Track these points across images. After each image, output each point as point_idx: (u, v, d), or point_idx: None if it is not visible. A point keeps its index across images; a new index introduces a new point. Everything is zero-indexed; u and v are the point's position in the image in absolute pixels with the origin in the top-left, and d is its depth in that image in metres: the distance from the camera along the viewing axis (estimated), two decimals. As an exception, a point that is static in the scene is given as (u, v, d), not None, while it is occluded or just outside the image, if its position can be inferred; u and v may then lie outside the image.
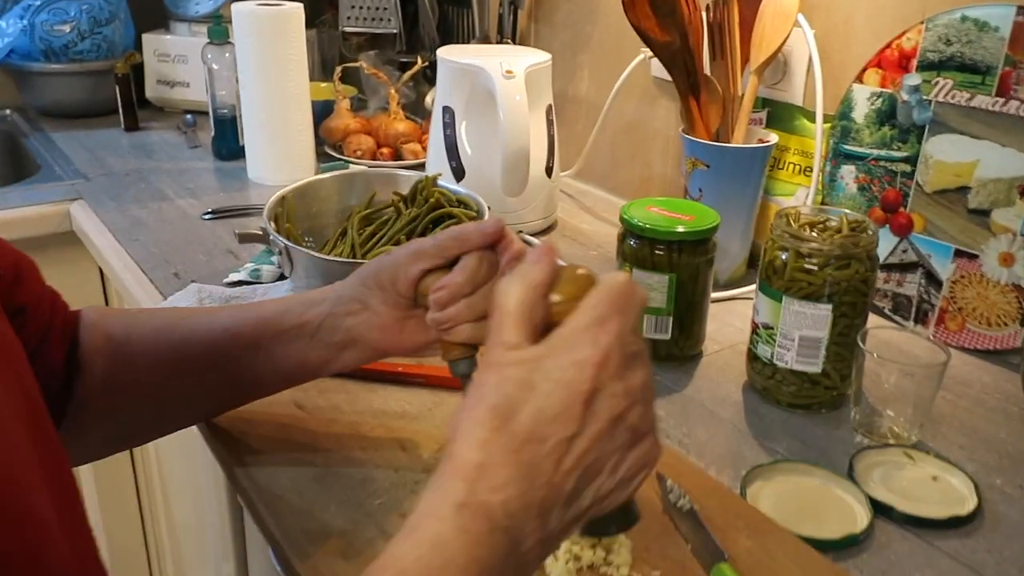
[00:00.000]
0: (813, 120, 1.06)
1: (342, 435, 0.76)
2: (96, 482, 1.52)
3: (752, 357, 0.86)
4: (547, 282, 0.48)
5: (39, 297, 0.64)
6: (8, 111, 1.83)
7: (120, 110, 1.70)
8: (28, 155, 1.64)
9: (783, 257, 0.81)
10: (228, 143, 1.53)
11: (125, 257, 1.17)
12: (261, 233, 0.94)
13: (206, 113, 1.55)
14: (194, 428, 0.77)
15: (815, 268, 0.79)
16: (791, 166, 1.12)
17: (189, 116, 1.71)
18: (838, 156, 1.03)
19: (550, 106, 1.24)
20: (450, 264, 0.62)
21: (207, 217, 1.29)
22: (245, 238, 0.93)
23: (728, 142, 1.08)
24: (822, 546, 0.65)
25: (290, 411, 0.79)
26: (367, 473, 0.71)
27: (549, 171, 1.24)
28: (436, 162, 1.23)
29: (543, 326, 0.47)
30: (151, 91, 1.81)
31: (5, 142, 1.76)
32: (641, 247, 0.89)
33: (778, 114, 1.13)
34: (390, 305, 0.65)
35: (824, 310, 0.79)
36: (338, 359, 0.67)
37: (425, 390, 0.83)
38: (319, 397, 0.81)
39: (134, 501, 1.57)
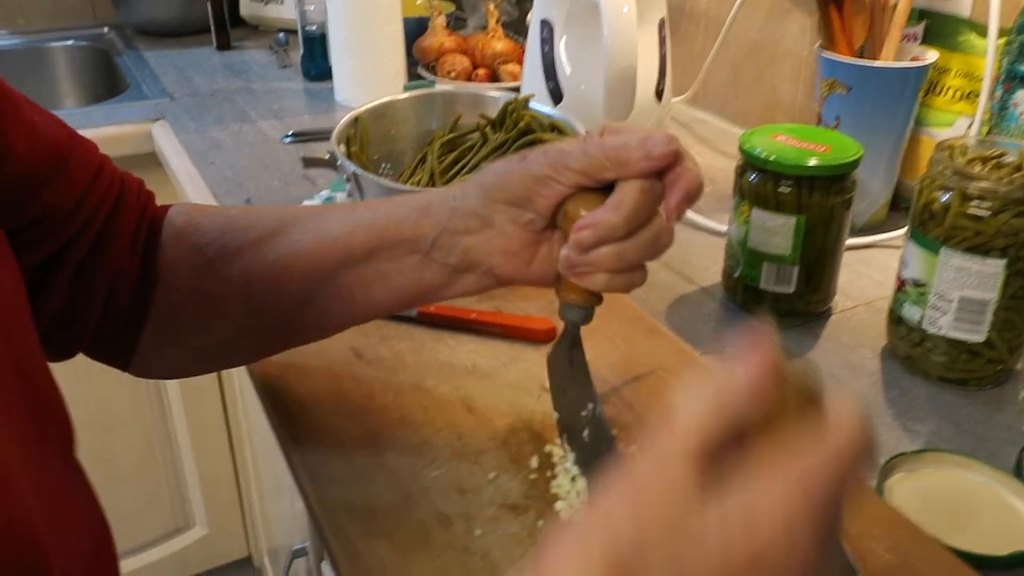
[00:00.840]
0: (983, 35, 0.88)
1: (401, 390, 0.66)
2: (184, 403, 1.49)
3: (895, 320, 0.72)
4: (754, 399, 0.32)
5: (82, 193, 0.54)
6: (106, 28, 1.79)
7: (212, 28, 1.63)
8: (120, 74, 1.59)
9: (943, 199, 0.65)
10: (316, 62, 1.44)
11: (199, 181, 1.10)
12: (328, 158, 0.84)
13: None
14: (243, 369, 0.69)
15: (985, 214, 0.63)
16: (950, 91, 0.94)
17: (281, 35, 1.62)
18: (1013, 79, 0.85)
19: (663, 20, 1.08)
20: (601, 187, 0.49)
21: (287, 140, 1.20)
22: (311, 162, 0.83)
23: (875, 60, 0.91)
24: (981, 563, 0.52)
25: (347, 359, 0.70)
26: (425, 437, 0.61)
27: (659, 94, 1.09)
28: (532, 83, 1.10)
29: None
30: (245, 8, 1.74)
31: (100, 60, 1.73)
32: (763, 183, 0.74)
33: (938, 28, 0.94)
34: (520, 226, 0.52)
35: (994, 266, 0.64)
36: (455, 284, 0.55)
37: (501, 342, 0.72)
38: (380, 345, 0.72)
39: (222, 424, 1.55)
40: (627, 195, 0.48)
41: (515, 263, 0.53)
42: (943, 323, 0.67)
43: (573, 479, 0.56)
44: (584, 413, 0.56)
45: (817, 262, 0.76)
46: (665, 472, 0.31)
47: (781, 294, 0.77)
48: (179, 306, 0.58)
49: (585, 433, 0.56)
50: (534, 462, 0.59)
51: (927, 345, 0.69)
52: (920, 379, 0.71)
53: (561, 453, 0.59)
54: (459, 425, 0.62)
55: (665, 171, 0.48)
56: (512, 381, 0.67)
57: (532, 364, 0.69)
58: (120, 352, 0.59)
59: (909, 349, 0.71)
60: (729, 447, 0.32)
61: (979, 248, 0.64)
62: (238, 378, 1.33)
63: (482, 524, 0.54)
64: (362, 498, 0.56)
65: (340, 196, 0.97)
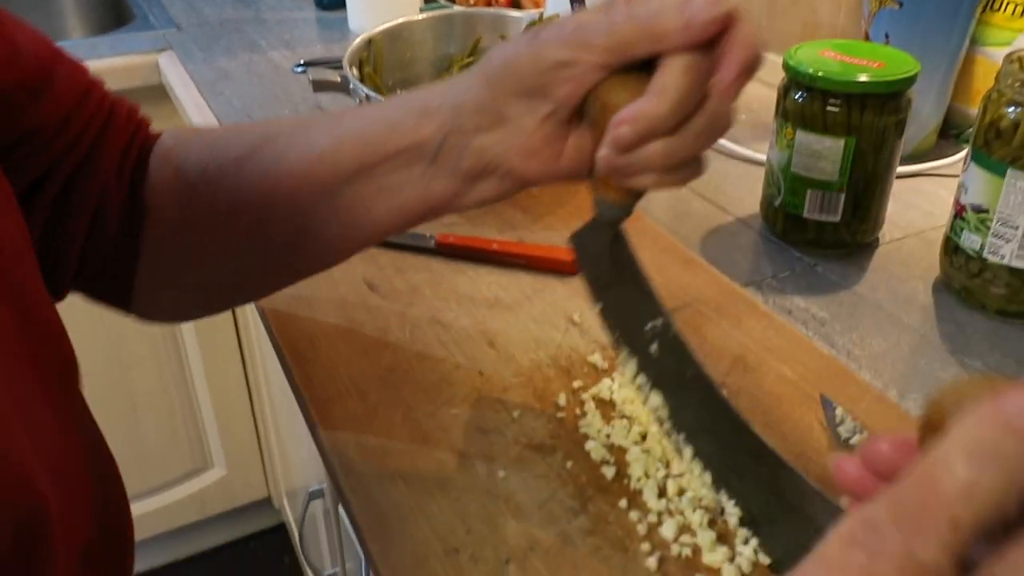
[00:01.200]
0: (1049, -58, 0.80)
1: (419, 324, 0.62)
2: (199, 342, 1.47)
3: (952, 249, 0.66)
4: None
5: (67, 114, 0.49)
6: (112, -42, 1.73)
7: (220, -44, 1.56)
8: (126, 4, 1.53)
9: (1012, 115, 0.59)
10: (329, -11, 1.37)
11: (207, 112, 1.05)
12: (340, 81, 0.78)
13: (309, -44, 1.39)
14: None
15: (1059, 130, 0.57)
16: (1012, 6, 0.87)
17: (293, -38, 1.55)
18: (1082, -11, 0.78)
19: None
20: (638, 65, 0.42)
21: (299, 70, 1.14)
22: (321, 86, 0.78)
23: (929, -28, 0.84)
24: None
25: (359, 292, 0.65)
26: (444, 373, 0.57)
27: (692, 15, 1.02)
28: (556, 5, 1.04)
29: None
30: (255, -64, 1.66)
31: (106, -10, 1.67)
32: (810, 102, 0.68)
33: (999, -64, 0.87)
34: (540, 119, 0.44)
35: (1067, 188, 0.58)
36: (470, 192, 0.48)
37: (524, 273, 0.67)
38: (395, 276, 0.67)
39: (238, 363, 1.52)
40: (670, 78, 0.40)
41: (539, 162, 0.46)
42: (1006, 251, 0.62)
43: (638, 387, 0.51)
44: (649, 328, 0.50)
45: (866, 189, 0.70)
46: (915, 550, 0.23)
47: (826, 223, 0.71)
48: (168, 239, 0.53)
49: (653, 348, 0.50)
50: (561, 399, 0.54)
51: (987, 276, 0.64)
52: (977, 313, 0.66)
53: (592, 391, 0.55)
54: (480, 361, 0.58)
55: (714, 40, 0.40)
56: (537, 315, 0.63)
57: (558, 296, 0.64)
58: (117, 292, 0.54)
59: (966, 280, 0.65)
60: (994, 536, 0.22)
61: (1050, 168, 0.58)
62: (251, 315, 1.30)
63: (505, 465, 0.50)
64: (376, 438, 0.52)
65: (353, 124, 0.91)
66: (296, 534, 1.36)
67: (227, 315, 1.46)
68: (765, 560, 0.44)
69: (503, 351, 0.59)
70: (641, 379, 0.52)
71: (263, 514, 1.70)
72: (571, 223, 0.73)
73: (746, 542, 0.45)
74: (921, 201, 0.82)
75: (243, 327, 1.47)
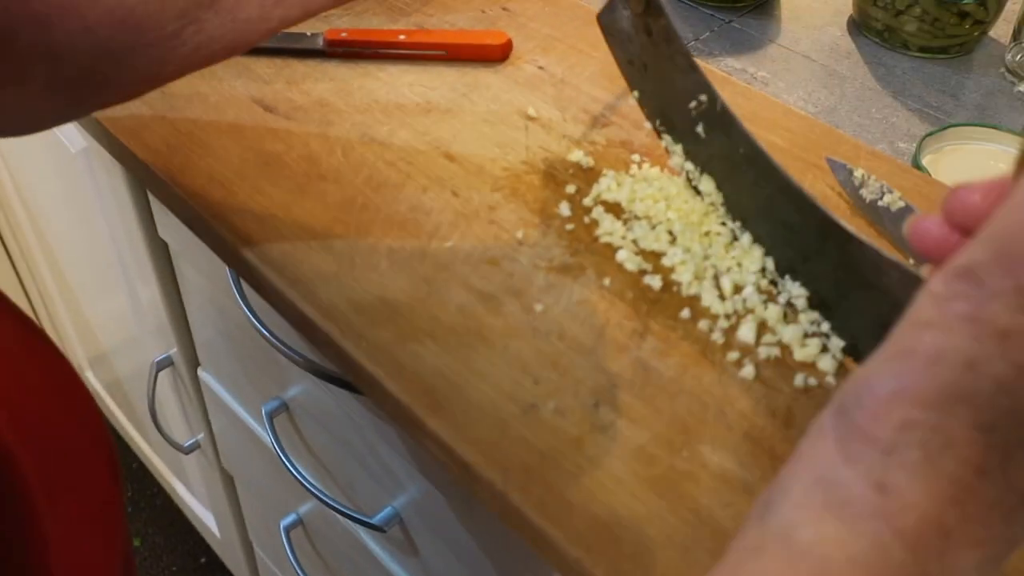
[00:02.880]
0: None
1: (350, 145, 0.50)
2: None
3: (875, -13, 0.63)
4: None
5: None
6: None
7: None
8: None
9: None
10: None
11: None
12: None
13: None
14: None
15: None
16: None
17: None
18: None
19: None
20: None
21: None
22: None
23: None
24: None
25: (255, 117, 0.51)
26: (413, 201, 0.47)
27: None
28: None
29: None
30: None
31: None
32: None
33: None
34: None
35: (1009, -94, 0.56)
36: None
37: (445, 67, 0.56)
38: (289, 90, 0.53)
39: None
40: None
41: None
42: (939, -17, 0.60)
43: (687, 175, 0.45)
44: (693, 105, 0.44)
45: (779, -72, 0.65)
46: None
47: (738, -27, 0.66)
48: (15, 12, 0.38)
49: (699, 128, 0.44)
50: (564, 209, 0.46)
51: (913, 12, 0.62)
52: (900, 54, 0.64)
53: (595, 193, 0.47)
54: (447, 179, 0.48)
55: None
56: (484, 114, 0.53)
57: (497, 90, 0.54)
58: None
59: (890, 19, 0.63)
60: None
61: None
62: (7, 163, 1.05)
63: (538, 297, 0.42)
64: (369, 294, 0.42)
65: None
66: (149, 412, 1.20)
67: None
68: (840, 343, 0.41)
69: (467, 163, 0.49)
70: (689, 166, 0.45)
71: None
72: (472, 1, 0.62)
73: (817, 325, 0.41)
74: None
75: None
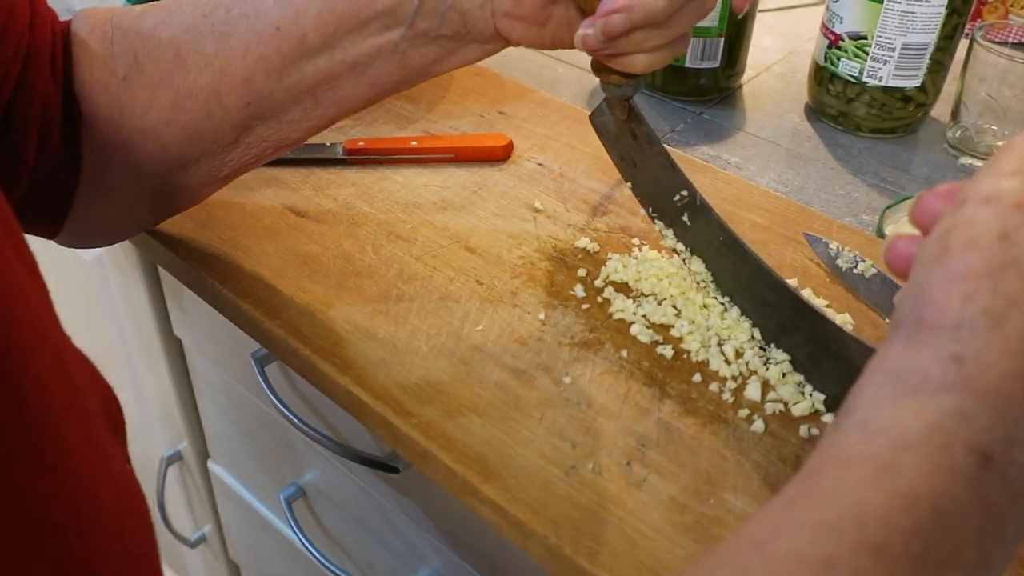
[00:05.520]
0: None
1: (379, 243, 0.55)
2: None
3: (827, 77, 0.71)
4: None
5: None
6: None
7: None
8: None
9: (883, -57, 0.63)
10: None
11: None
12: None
13: None
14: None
15: (928, -47, 0.62)
16: None
17: None
18: None
19: None
20: None
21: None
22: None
23: None
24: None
25: (289, 222, 0.56)
26: (442, 291, 0.52)
27: None
28: None
29: None
30: None
31: None
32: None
33: None
34: None
35: (938, 6, 0.64)
36: (450, 58, 0.45)
37: (455, 168, 0.62)
38: (317, 196, 0.59)
39: None
40: None
41: (525, 27, 0.44)
42: (883, 73, 0.68)
43: (680, 255, 0.51)
44: (676, 199, 0.50)
45: (739, 31, 0.72)
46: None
47: (705, 70, 0.73)
48: (106, 142, 0.44)
49: (685, 217, 0.50)
50: (579, 291, 0.52)
51: (863, 99, 0.70)
52: (854, 135, 0.72)
53: (604, 275, 0.53)
54: (470, 270, 0.53)
55: None
56: (495, 209, 0.58)
57: (505, 186, 0.60)
58: (53, 212, 0.46)
59: (843, 106, 0.71)
60: None
61: (922, -10, 0.64)
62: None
63: (565, 370, 0.47)
64: (414, 376, 0.46)
65: None
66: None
67: None
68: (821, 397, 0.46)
69: (486, 254, 0.55)
70: (680, 247, 0.51)
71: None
72: (467, 105, 0.69)
73: (802, 386, 0.47)
74: (755, 38, 0.86)
75: None
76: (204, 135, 0.45)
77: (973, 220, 0.26)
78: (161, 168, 0.45)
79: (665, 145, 0.51)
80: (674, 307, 0.51)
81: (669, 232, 0.51)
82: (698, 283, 0.51)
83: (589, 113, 0.53)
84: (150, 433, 0.96)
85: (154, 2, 0.45)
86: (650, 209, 0.52)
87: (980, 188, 0.27)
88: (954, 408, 0.23)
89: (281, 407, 0.61)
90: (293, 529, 0.74)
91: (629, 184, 0.53)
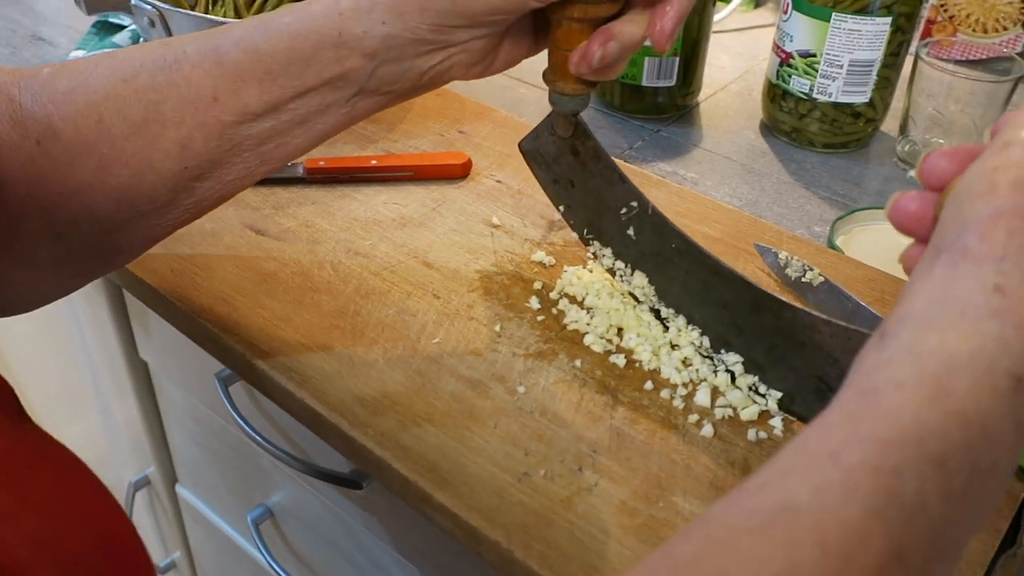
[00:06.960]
0: None
1: (337, 259, 0.56)
2: None
3: (779, 95, 0.73)
4: None
5: None
6: None
7: None
8: None
9: (828, -36, 0.65)
10: None
11: None
12: (116, -2, 0.65)
13: None
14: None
15: (871, -27, 0.65)
16: None
17: None
18: None
19: None
20: None
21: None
22: (96, 5, 0.64)
23: None
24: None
25: (249, 240, 0.57)
26: (400, 305, 0.53)
27: None
28: None
29: None
30: None
31: None
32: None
33: None
34: (487, 37, 0.43)
35: (883, 24, 0.66)
36: (396, 102, 0.45)
37: (414, 186, 0.63)
38: (277, 215, 0.60)
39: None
40: (672, 10, 0.40)
41: (478, 70, 0.45)
42: (833, 89, 0.69)
43: (617, 273, 0.52)
44: (624, 212, 0.51)
45: (693, 51, 0.74)
46: None
47: (661, 88, 0.75)
48: (18, 205, 0.42)
49: (630, 231, 0.51)
50: (534, 303, 0.53)
51: (814, 115, 0.71)
52: (807, 150, 0.73)
53: (558, 287, 0.54)
54: (427, 284, 0.54)
55: None
56: (453, 224, 0.59)
57: (464, 203, 0.61)
58: None
59: (795, 122, 0.73)
60: None
61: (866, 9, 0.66)
62: None
63: (519, 380, 0.48)
64: (370, 388, 0.47)
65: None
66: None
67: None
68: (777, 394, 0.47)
69: (443, 269, 0.55)
70: (619, 265, 0.52)
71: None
72: (428, 125, 0.70)
73: (755, 388, 0.48)
74: (713, 60, 0.88)
75: None
76: (135, 199, 0.43)
77: (1020, 162, 0.28)
78: (86, 232, 0.43)
79: (620, 161, 0.52)
80: (622, 319, 0.52)
81: (607, 251, 0.52)
82: (636, 298, 0.52)
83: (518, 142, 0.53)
84: (118, 457, 0.96)
85: (62, 63, 0.43)
86: (585, 231, 0.53)
87: None
88: (996, 334, 0.26)
89: (245, 426, 0.61)
90: (260, 551, 0.74)
91: (561, 208, 0.53)
